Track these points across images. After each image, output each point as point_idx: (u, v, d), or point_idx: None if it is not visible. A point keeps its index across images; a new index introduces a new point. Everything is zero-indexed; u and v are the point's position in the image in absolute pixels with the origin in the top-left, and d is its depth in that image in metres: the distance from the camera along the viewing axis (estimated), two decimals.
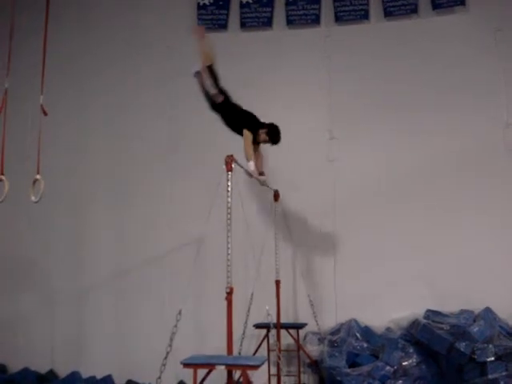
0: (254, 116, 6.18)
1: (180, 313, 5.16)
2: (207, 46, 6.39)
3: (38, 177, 5.47)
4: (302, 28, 8.44)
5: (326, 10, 8.43)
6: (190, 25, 8.60)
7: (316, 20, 8.42)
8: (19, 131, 7.78)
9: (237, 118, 6.16)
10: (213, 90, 6.23)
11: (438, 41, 8.06)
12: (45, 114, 5.51)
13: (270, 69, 8.40)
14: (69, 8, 8.70)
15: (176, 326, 5.12)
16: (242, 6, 8.58)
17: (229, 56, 8.46)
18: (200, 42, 6.42)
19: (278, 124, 6.17)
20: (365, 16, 8.30)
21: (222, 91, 6.24)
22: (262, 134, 6.09)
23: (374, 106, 8.06)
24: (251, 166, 5.79)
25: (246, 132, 5.96)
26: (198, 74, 6.37)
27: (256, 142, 6.12)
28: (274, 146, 8.02)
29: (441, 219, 7.61)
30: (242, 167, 5.48)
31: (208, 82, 6.25)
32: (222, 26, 8.59)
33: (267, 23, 8.52)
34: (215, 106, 6.30)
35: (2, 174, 5.35)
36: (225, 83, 8.25)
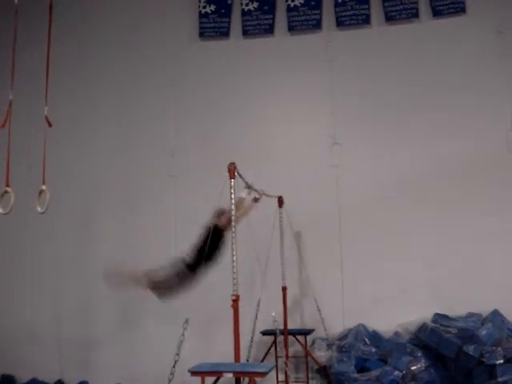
0: (204, 237, 5.44)
1: (187, 321, 5.16)
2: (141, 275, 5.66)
3: (43, 187, 5.47)
4: (304, 34, 8.46)
5: (327, 16, 8.45)
6: (193, 33, 8.69)
7: (317, 25, 8.43)
8: (23, 142, 7.81)
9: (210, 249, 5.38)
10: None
11: (439, 44, 8.06)
12: (49, 125, 5.52)
13: (272, 75, 8.43)
14: (70, 16, 8.72)
15: (183, 334, 5.12)
16: (243, 13, 8.60)
17: (231, 63, 8.54)
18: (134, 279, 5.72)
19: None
20: (366, 20, 8.29)
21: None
22: (223, 218, 5.48)
23: (377, 111, 8.07)
24: (243, 192, 5.50)
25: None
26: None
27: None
28: (279, 152, 8.12)
29: (447, 222, 7.59)
30: (240, 176, 5.43)
31: None
32: (224, 33, 8.62)
33: (269, 30, 8.54)
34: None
35: (8, 186, 5.35)
36: (227, 90, 8.39)
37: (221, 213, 5.50)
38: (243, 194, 5.54)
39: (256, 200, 6.09)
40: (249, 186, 5.69)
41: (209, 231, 5.40)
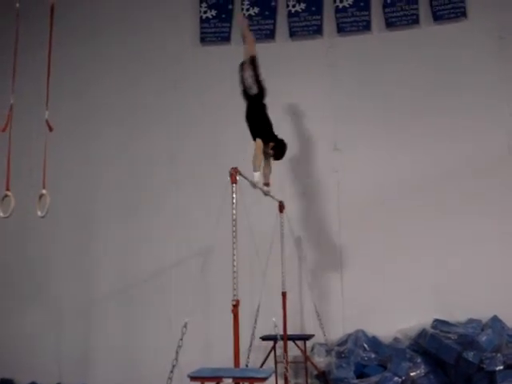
0: (271, 126, 6.19)
1: (186, 326, 5.14)
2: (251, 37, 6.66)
3: (43, 191, 5.46)
4: (305, 39, 8.47)
5: (328, 22, 8.47)
6: (194, 38, 8.71)
7: (318, 31, 8.45)
8: (24, 145, 7.80)
9: (258, 120, 6.16)
10: (250, 81, 6.28)
11: (440, 50, 8.08)
12: (50, 129, 5.50)
13: (273, 79, 8.40)
14: (72, 20, 8.74)
15: (182, 339, 5.10)
16: None
17: (232, 68, 8.52)
18: (246, 30, 6.74)
19: (286, 142, 6.20)
20: (367, 27, 8.31)
21: (259, 85, 6.25)
22: (269, 148, 6.09)
23: (378, 116, 8.09)
24: (256, 176, 5.78)
25: (258, 141, 5.97)
26: (242, 66, 6.45)
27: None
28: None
29: (447, 227, 7.58)
30: (246, 178, 5.47)
31: (248, 73, 6.31)
32: (225, 38, 8.64)
33: (270, 35, 8.56)
34: (247, 95, 6.31)
35: (8, 190, 5.34)
36: (228, 94, 8.38)
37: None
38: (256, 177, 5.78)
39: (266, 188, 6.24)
40: (253, 185, 5.74)
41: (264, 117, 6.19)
